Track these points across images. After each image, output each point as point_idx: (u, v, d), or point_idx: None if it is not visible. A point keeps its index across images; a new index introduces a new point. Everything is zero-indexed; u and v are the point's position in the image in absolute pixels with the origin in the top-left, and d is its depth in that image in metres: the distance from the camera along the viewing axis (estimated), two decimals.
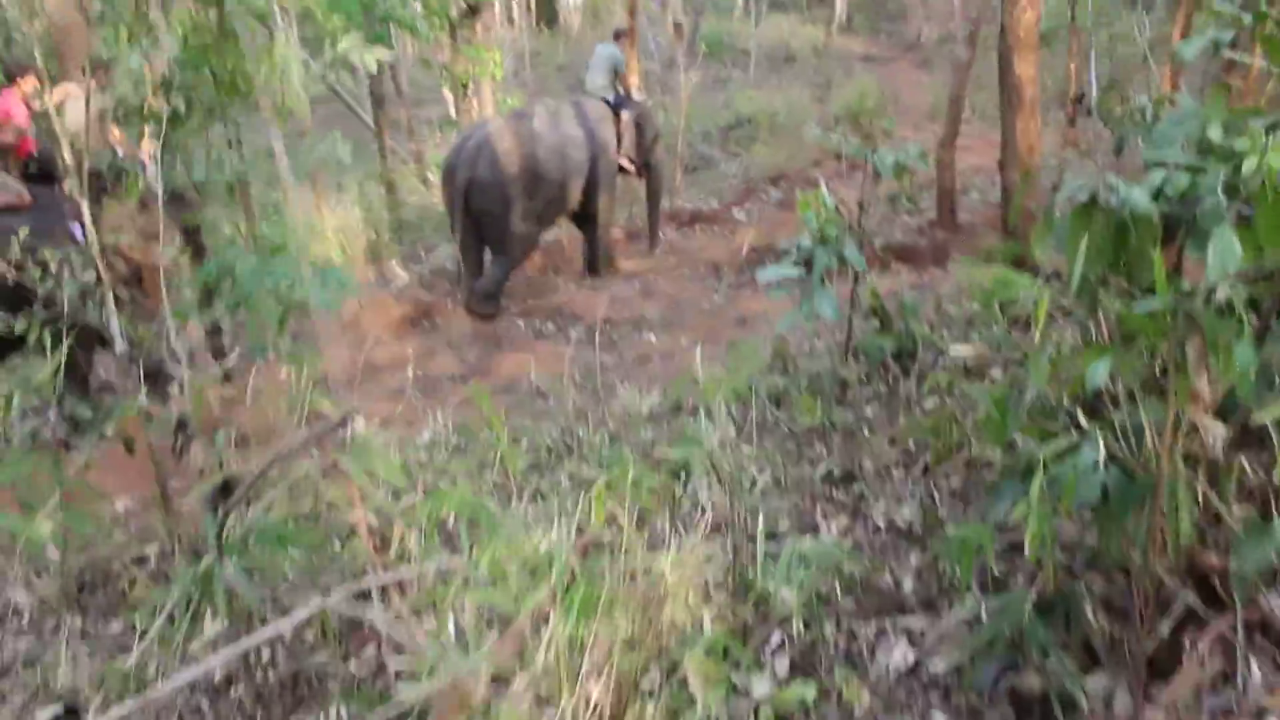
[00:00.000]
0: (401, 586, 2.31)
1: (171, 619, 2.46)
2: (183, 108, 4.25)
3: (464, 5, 12.95)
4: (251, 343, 3.20)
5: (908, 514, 3.29)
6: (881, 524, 3.32)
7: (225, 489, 2.51)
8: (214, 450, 2.65)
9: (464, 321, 8.09)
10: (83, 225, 5.87)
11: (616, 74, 9.48)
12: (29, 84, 5.92)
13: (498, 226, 8.13)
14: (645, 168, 9.64)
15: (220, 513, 2.43)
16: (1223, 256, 1.67)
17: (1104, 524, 1.98)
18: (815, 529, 3.30)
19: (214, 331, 3.91)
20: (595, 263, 9.11)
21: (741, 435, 4.10)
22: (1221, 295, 1.63)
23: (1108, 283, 2.00)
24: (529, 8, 23.10)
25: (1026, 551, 1.88)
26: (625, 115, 9.25)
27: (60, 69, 6.52)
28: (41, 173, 5.70)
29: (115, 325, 3.35)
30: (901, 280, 6.95)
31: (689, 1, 20.86)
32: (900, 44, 21.40)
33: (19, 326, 3.34)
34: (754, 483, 3.54)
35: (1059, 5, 12.75)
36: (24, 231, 4.00)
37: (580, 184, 8.72)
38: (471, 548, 2.28)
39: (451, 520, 2.60)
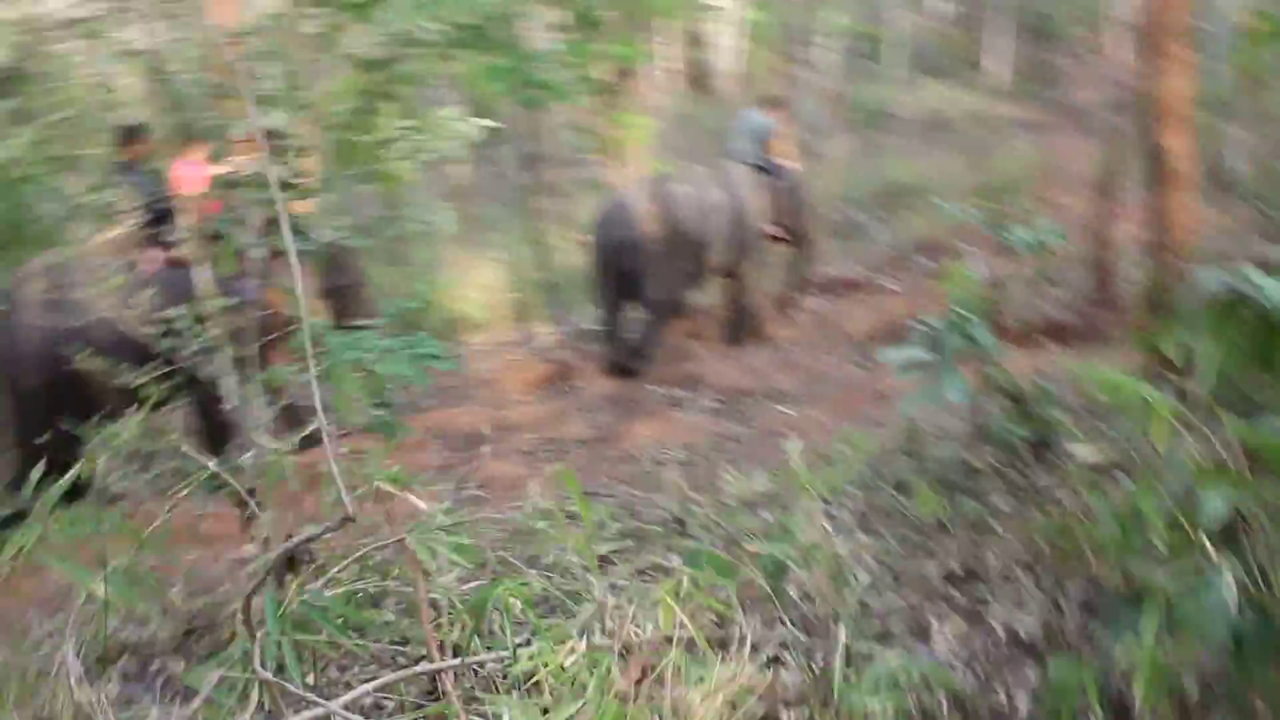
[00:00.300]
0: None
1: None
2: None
3: (615, 72, 13.14)
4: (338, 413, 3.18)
5: (1030, 624, 3.04)
6: (1002, 633, 3.08)
7: (291, 563, 2.48)
8: (282, 522, 2.63)
9: (601, 385, 8.08)
10: (258, 283, 6.28)
11: (763, 141, 9.40)
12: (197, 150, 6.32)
13: (641, 287, 8.19)
14: (797, 236, 9.61)
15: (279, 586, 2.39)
16: None
17: (1238, 670, 1.75)
18: (927, 633, 3.09)
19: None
20: (736, 332, 9.02)
21: (859, 524, 3.91)
22: None
23: (1243, 393, 1.78)
24: (682, 72, 23.28)
25: (1138, 700, 1.68)
26: (778, 183, 9.25)
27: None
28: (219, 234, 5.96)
29: (230, 384, 3.39)
30: (1046, 360, 6.62)
31: (844, 68, 20.79)
32: (1062, 109, 20.78)
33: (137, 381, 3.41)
34: (862, 578, 3.35)
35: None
36: None
37: (722, 250, 8.67)
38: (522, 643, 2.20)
39: (518, 607, 2.50)
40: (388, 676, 2.28)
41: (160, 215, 6.20)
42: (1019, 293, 8.77)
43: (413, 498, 2.14)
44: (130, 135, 6.66)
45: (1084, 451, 3.10)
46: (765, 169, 9.27)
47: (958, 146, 18.45)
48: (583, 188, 15.20)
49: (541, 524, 3.02)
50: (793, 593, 2.87)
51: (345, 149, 5.51)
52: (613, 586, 2.67)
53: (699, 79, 24.24)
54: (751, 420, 6.67)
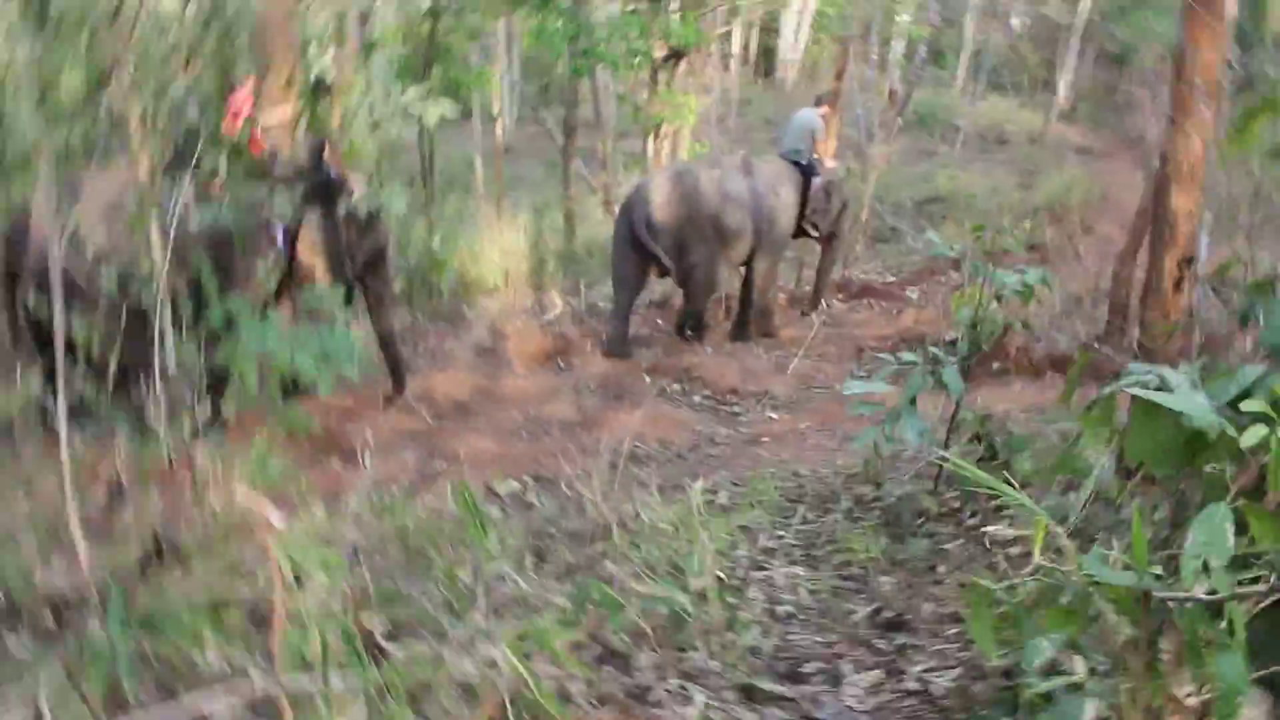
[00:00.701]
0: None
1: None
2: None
3: (668, 48, 12.95)
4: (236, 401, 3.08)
5: (944, 683, 2.92)
6: (915, 686, 2.96)
7: (158, 552, 2.39)
8: (145, 514, 2.53)
9: (597, 365, 7.99)
10: (285, 229, 6.31)
11: (814, 140, 9.32)
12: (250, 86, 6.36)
13: (675, 268, 8.34)
14: (828, 237, 9.55)
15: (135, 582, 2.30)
16: (1208, 539, 1.32)
17: None
18: (839, 680, 2.97)
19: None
20: (744, 327, 8.96)
21: (803, 555, 3.80)
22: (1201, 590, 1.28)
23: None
24: (746, 57, 23.03)
25: None
26: (816, 182, 9.14)
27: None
28: (262, 172, 5.97)
29: (169, 345, 3.30)
30: (1042, 396, 6.45)
31: (907, 69, 20.45)
32: (1122, 139, 20.34)
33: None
34: (787, 615, 3.24)
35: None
36: None
37: (741, 243, 8.62)
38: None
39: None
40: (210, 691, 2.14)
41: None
42: (1035, 321, 8.58)
43: (267, 509, 2.01)
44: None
45: (999, 531, 2.96)
46: (805, 166, 9.17)
47: (1011, 163, 18.16)
48: (624, 161, 15.08)
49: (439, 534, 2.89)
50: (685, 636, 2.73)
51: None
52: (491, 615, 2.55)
53: (763, 65, 24.03)
54: (737, 422, 6.55)
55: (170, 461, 2.77)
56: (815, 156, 9.31)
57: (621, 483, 4.83)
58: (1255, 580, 1.36)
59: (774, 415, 6.68)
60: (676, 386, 7.33)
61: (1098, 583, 1.41)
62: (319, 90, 7.04)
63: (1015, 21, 22.67)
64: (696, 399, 7.10)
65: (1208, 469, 1.68)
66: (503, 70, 15.47)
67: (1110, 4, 19.79)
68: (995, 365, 6.94)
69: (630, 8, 12.65)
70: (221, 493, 2.31)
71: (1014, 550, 3.58)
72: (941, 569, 3.65)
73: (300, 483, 2.82)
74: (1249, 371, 2.08)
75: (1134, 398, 1.96)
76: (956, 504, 4.10)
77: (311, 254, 6.39)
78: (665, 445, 5.93)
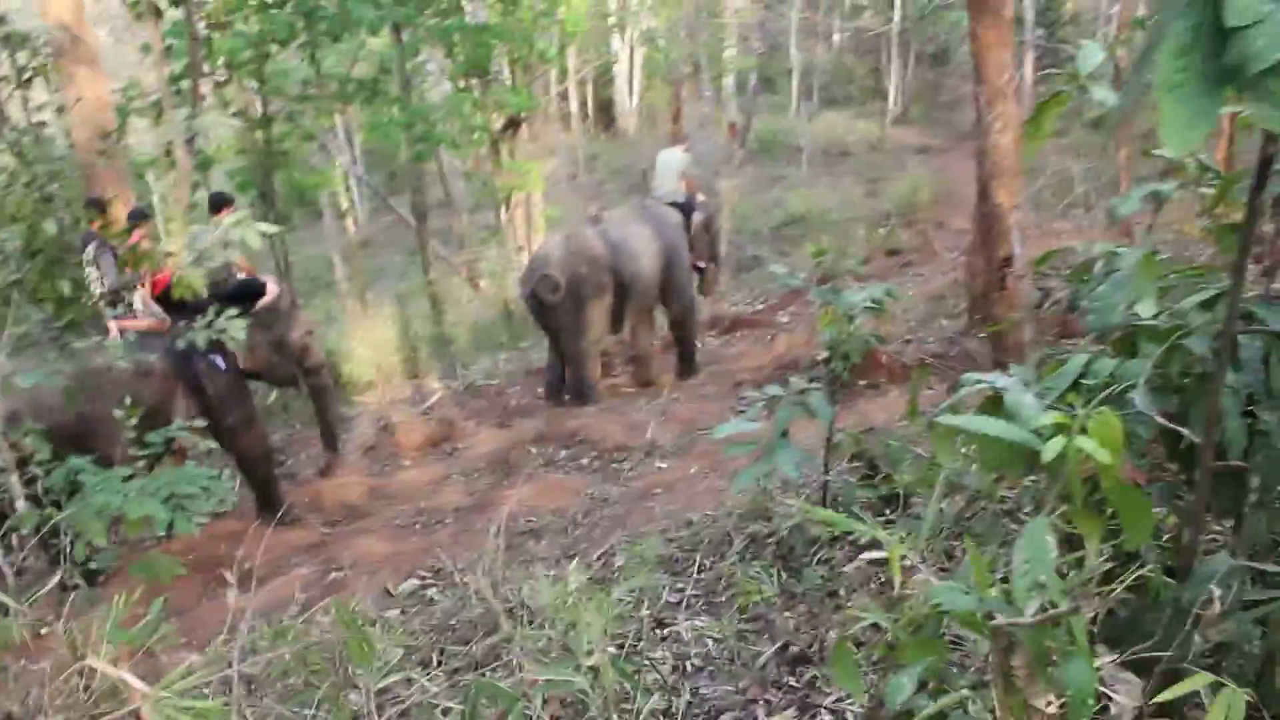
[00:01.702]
0: None
1: None
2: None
3: (504, 120, 13.03)
4: (78, 560, 2.95)
5: (857, 710, 2.92)
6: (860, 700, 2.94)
7: None
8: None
9: (483, 443, 7.93)
10: (223, 355, 6.29)
11: (682, 179, 9.56)
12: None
13: (571, 329, 8.41)
14: (707, 271, 9.89)
15: None
16: (1031, 555, 1.35)
17: None
18: None
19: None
20: (688, 363, 9.34)
21: (704, 603, 3.77)
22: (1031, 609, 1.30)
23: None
24: (585, 113, 23.27)
25: None
26: (696, 218, 9.46)
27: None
28: (181, 302, 6.03)
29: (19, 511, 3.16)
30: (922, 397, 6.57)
31: (741, 100, 20.90)
32: (957, 134, 21.07)
33: None
34: (695, 669, 3.21)
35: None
36: None
37: (660, 284, 8.90)
38: None
39: None
40: None
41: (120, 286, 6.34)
42: (900, 325, 8.78)
43: (128, 678, 1.91)
44: (99, 208, 6.57)
45: (870, 554, 2.99)
46: (683, 204, 9.42)
47: (857, 174, 18.64)
48: (481, 236, 15.07)
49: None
50: None
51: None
52: None
53: (603, 118, 24.29)
54: (628, 478, 6.53)
55: (29, 636, 2.63)
56: (689, 194, 9.57)
57: (517, 563, 4.79)
58: (1109, 576, 1.39)
59: (663, 465, 6.67)
60: (564, 453, 7.29)
61: (945, 611, 1.43)
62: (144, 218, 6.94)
63: (835, 37, 23.37)
64: (585, 461, 7.07)
65: (1027, 481, 1.72)
66: (347, 165, 15.37)
67: (917, 9, 20.54)
68: (867, 379, 7.05)
69: (460, 85, 12.69)
70: (86, 663, 2.19)
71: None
72: (841, 593, 3.67)
73: (168, 633, 2.69)
74: (1077, 360, 2.15)
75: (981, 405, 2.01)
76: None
77: (250, 362, 6.74)
78: (559, 514, 5.89)
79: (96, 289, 6.28)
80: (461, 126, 12.09)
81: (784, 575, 3.75)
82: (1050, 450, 1.46)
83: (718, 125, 19.92)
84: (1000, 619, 1.32)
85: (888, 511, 4.08)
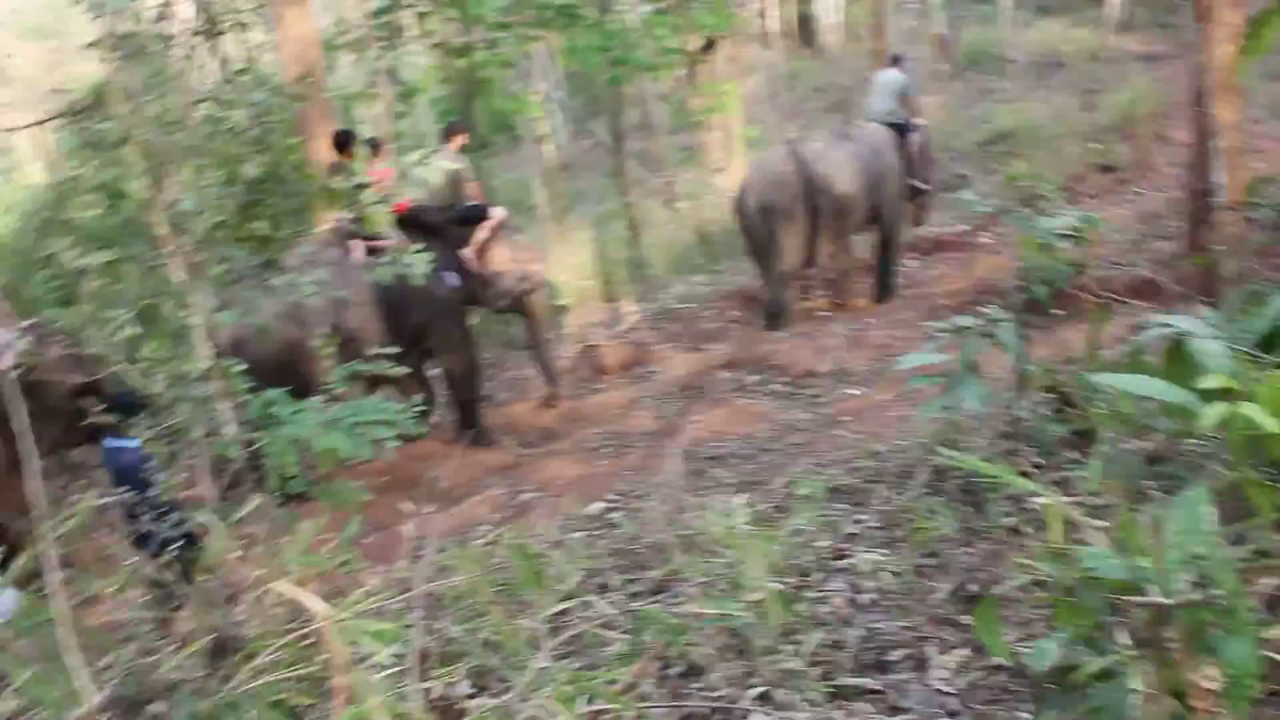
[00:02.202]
0: None
1: None
2: None
3: (701, 41, 12.86)
4: (271, 488, 3.11)
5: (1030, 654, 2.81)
6: (1007, 661, 2.86)
7: (219, 649, 2.44)
8: (206, 609, 2.57)
9: (676, 367, 7.99)
10: (457, 272, 6.80)
11: (903, 99, 9.47)
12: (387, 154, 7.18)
13: (788, 243, 8.48)
14: (923, 192, 9.75)
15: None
16: (1187, 526, 1.23)
17: None
18: (924, 663, 2.89)
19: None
20: (887, 287, 9.24)
21: (884, 535, 3.71)
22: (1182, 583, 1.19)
23: None
24: (785, 30, 22.71)
25: None
26: (914, 138, 9.36)
27: None
28: (415, 224, 6.83)
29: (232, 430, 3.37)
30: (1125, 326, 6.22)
31: (950, 11, 19.96)
32: (1184, 40, 19.55)
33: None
34: (870, 602, 3.17)
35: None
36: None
37: (866, 207, 8.84)
38: None
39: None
40: None
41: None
42: (1112, 249, 8.30)
43: (305, 598, 2.02)
44: (343, 140, 7.03)
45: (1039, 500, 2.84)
46: (900, 125, 9.33)
47: (1072, 86, 17.57)
48: (679, 158, 15.01)
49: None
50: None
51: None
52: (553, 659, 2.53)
53: (804, 36, 23.66)
54: (817, 404, 6.46)
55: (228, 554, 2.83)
56: (904, 114, 9.43)
57: (701, 489, 4.82)
58: (1264, 554, 1.27)
59: (853, 391, 6.57)
60: (754, 378, 7.26)
61: (1096, 578, 1.34)
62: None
63: None
64: (775, 387, 7.03)
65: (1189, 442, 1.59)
66: (548, 90, 15.53)
67: None
68: (1070, 307, 6.69)
69: (658, 6, 12.56)
70: (275, 583, 2.34)
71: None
72: (1029, 532, 3.54)
73: (353, 557, 2.84)
74: (1277, 301, 1.98)
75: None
76: (1039, 461, 3.97)
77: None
78: (747, 440, 5.89)
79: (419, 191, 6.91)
80: (659, 48, 12.01)
81: (965, 511, 3.65)
82: (1209, 417, 1.35)
83: (923, 40, 19.12)
84: (1151, 594, 1.24)
85: (1082, 448, 3.90)
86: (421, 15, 12.39)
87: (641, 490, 5.04)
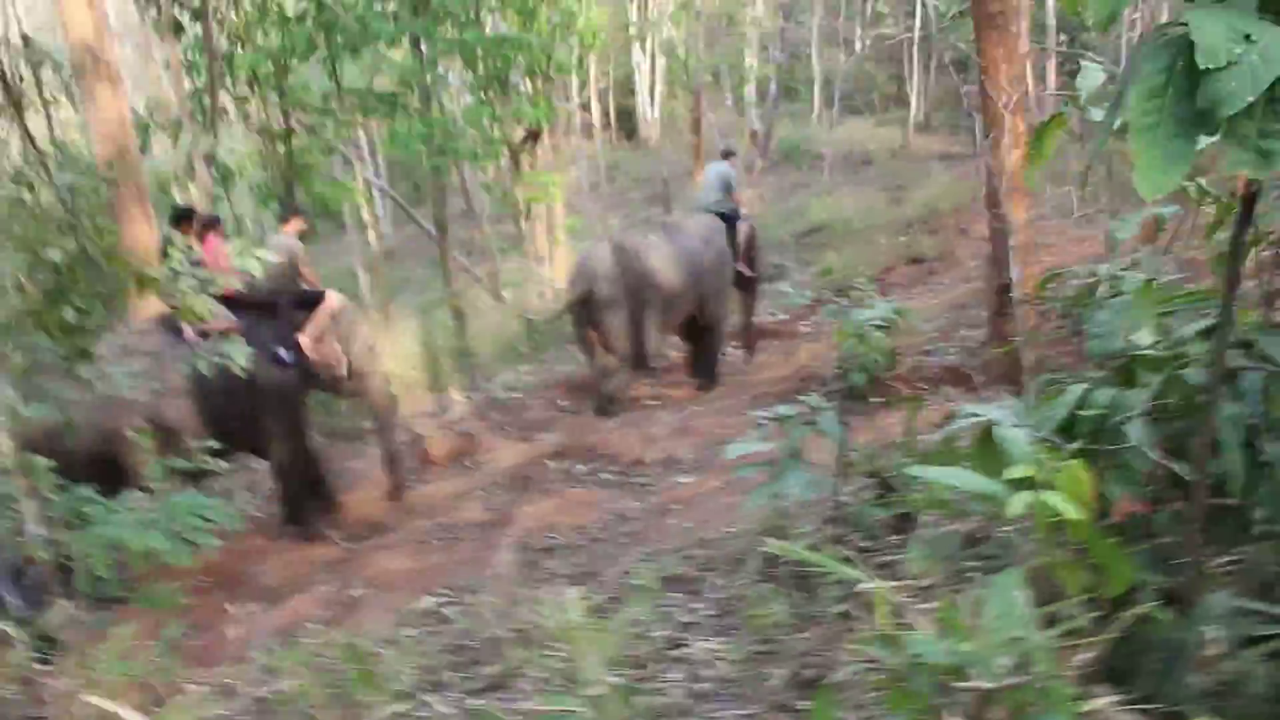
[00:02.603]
0: None
1: None
2: None
3: (523, 132, 13.07)
4: (81, 588, 2.98)
5: None
6: None
7: None
8: None
9: (504, 457, 7.96)
10: (288, 350, 6.63)
11: (729, 190, 9.92)
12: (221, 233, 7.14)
13: (615, 334, 8.67)
14: (750, 279, 10.18)
15: None
16: (1002, 610, 1.34)
17: None
18: None
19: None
20: (711, 372, 9.50)
21: (717, 624, 3.77)
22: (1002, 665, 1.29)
23: None
24: (606, 122, 23.30)
25: None
26: (742, 227, 9.86)
27: None
28: (247, 304, 6.72)
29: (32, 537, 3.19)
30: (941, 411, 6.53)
31: (763, 108, 20.89)
32: (979, 142, 20.94)
33: None
34: (706, 692, 3.20)
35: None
36: None
37: (692, 298, 9.13)
38: None
39: None
40: None
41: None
42: (922, 337, 8.73)
43: (120, 709, 1.94)
44: (180, 215, 7.01)
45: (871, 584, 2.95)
46: (732, 216, 9.75)
47: (880, 181, 18.56)
48: (503, 246, 15.11)
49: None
50: None
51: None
52: None
53: (624, 128, 24.33)
54: (647, 493, 6.53)
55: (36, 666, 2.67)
56: (734, 204, 9.91)
57: (535, 580, 4.80)
58: (1076, 632, 1.38)
59: (681, 480, 6.67)
60: (583, 467, 7.30)
61: (923, 663, 1.43)
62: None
63: (857, 45, 23.30)
64: (605, 476, 7.08)
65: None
66: (369, 177, 15.45)
67: (939, 17, 20.46)
68: (885, 394, 6.98)
69: (480, 96, 12.74)
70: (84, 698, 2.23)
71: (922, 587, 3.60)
72: (859, 616, 3.64)
73: (169, 665, 2.72)
74: (1075, 390, 2.14)
75: (974, 437, 2.00)
76: (865, 545, 4.11)
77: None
78: (578, 530, 5.90)
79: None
80: (481, 138, 12.14)
81: (798, 596, 3.74)
82: (1015, 505, 1.46)
83: (739, 134, 19.90)
84: (973, 677, 1.32)
85: (904, 531, 4.06)
86: (240, 99, 12.24)
87: (474, 584, 4.97)
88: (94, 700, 2.08)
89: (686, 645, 3.62)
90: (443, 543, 6.33)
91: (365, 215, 15.33)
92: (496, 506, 6.83)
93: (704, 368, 9.60)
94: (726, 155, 10.57)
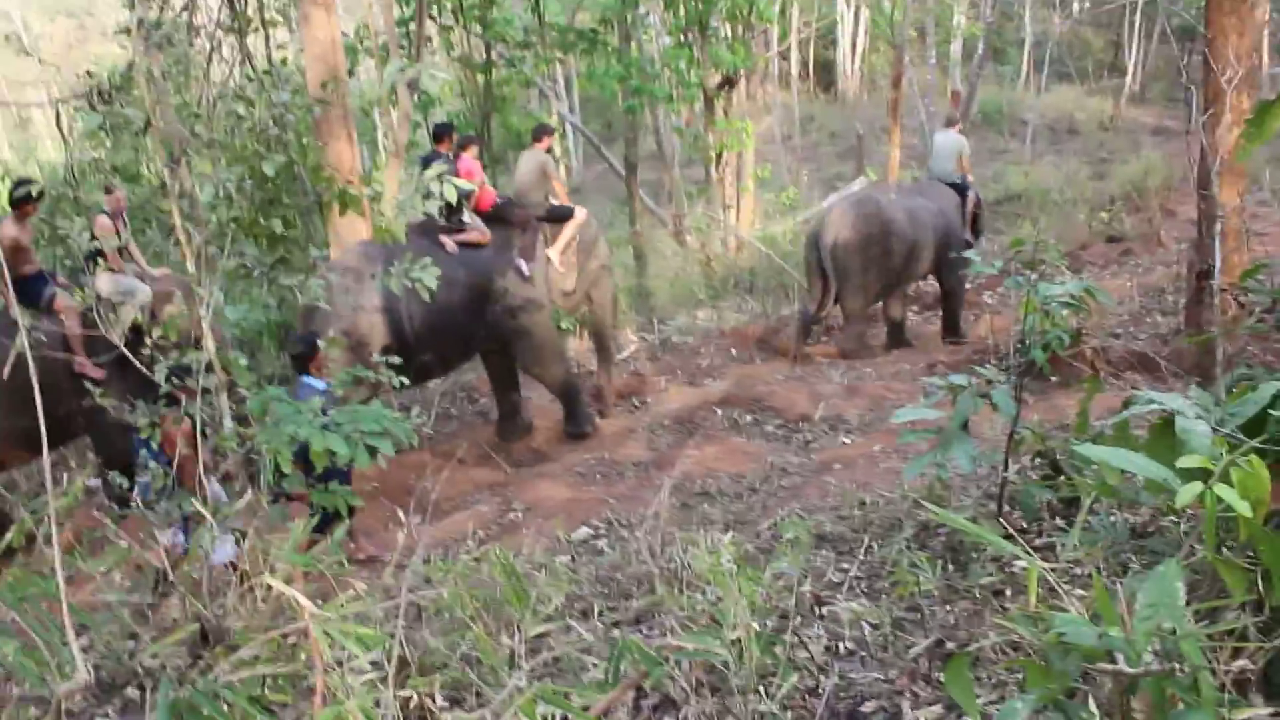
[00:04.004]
0: None
1: None
2: None
3: (720, 77, 13.00)
4: (268, 481, 3.14)
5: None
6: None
7: (204, 637, 2.48)
8: (190, 603, 2.60)
9: (672, 399, 8.05)
10: (530, 262, 7.15)
11: (961, 159, 10.13)
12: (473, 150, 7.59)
13: (852, 283, 9.07)
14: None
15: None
16: (1157, 599, 1.30)
17: None
18: (897, 717, 2.94)
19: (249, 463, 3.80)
20: (954, 327, 9.75)
21: (866, 585, 3.76)
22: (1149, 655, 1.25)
23: None
24: (804, 73, 22.95)
25: None
26: (971, 195, 10.09)
27: None
28: (497, 217, 7.29)
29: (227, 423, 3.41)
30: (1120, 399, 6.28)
31: (967, 68, 20.19)
32: (1195, 117, 19.78)
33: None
34: (848, 652, 3.21)
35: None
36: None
37: (931, 259, 9.48)
38: None
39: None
40: None
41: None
42: (1113, 319, 8.39)
43: (298, 597, 2.07)
44: (441, 132, 7.54)
45: (1020, 563, 2.90)
46: (959, 185, 9.99)
47: (1084, 153, 17.78)
48: (690, 191, 15.13)
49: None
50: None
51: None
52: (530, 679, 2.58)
53: (822, 79, 23.92)
54: (810, 449, 6.52)
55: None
56: (963, 174, 10.11)
57: (688, 524, 4.87)
58: (1232, 632, 1.33)
59: (846, 439, 6.63)
60: (749, 418, 7.32)
61: (1068, 644, 1.40)
62: None
63: (1075, 7, 22.24)
64: (769, 428, 7.09)
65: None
66: (563, 112, 15.66)
67: None
68: (1068, 373, 6.74)
69: (679, 39, 12.73)
70: (264, 579, 2.39)
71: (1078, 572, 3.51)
72: (1008, 594, 3.59)
73: (344, 559, 2.88)
74: (1267, 388, 2.04)
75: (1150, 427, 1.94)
76: (1023, 525, 4.02)
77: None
78: (737, 479, 5.94)
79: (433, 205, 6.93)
80: (677, 81, 12.16)
81: (949, 568, 3.70)
82: (1184, 496, 1.41)
83: (940, 94, 19.32)
84: (1119, 661, 1.29)
85: (1067, 516, 3.95)
86: (445, 29, 12.56)
87: (629, 519, 5.09)
88: (272, 582, 2.23)
89: (832, 603, 3.62)
90: (603, 477, 6.46)
91: (557, 150, 15.58)
92: (659, 447, 6.93)
93: (947, 323, 9.85)
94: (951, 123, 10.60)
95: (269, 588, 2.38)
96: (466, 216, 7.16)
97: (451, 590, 2.87)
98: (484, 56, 12.41)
